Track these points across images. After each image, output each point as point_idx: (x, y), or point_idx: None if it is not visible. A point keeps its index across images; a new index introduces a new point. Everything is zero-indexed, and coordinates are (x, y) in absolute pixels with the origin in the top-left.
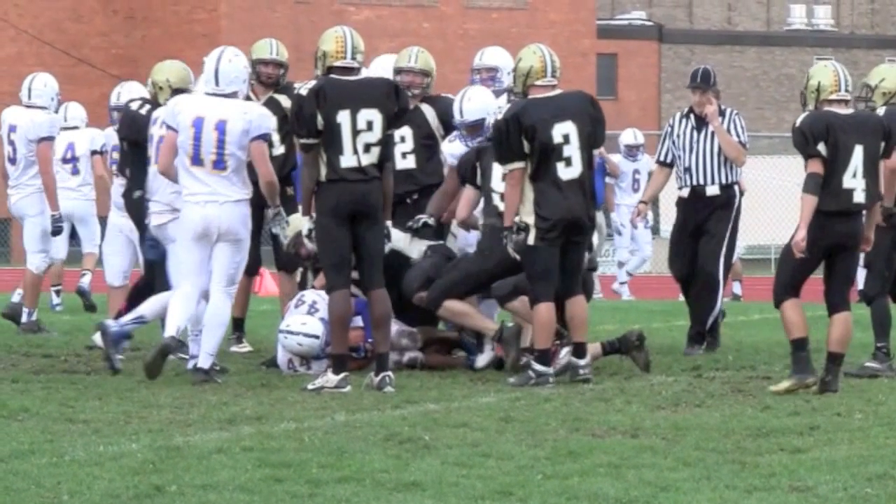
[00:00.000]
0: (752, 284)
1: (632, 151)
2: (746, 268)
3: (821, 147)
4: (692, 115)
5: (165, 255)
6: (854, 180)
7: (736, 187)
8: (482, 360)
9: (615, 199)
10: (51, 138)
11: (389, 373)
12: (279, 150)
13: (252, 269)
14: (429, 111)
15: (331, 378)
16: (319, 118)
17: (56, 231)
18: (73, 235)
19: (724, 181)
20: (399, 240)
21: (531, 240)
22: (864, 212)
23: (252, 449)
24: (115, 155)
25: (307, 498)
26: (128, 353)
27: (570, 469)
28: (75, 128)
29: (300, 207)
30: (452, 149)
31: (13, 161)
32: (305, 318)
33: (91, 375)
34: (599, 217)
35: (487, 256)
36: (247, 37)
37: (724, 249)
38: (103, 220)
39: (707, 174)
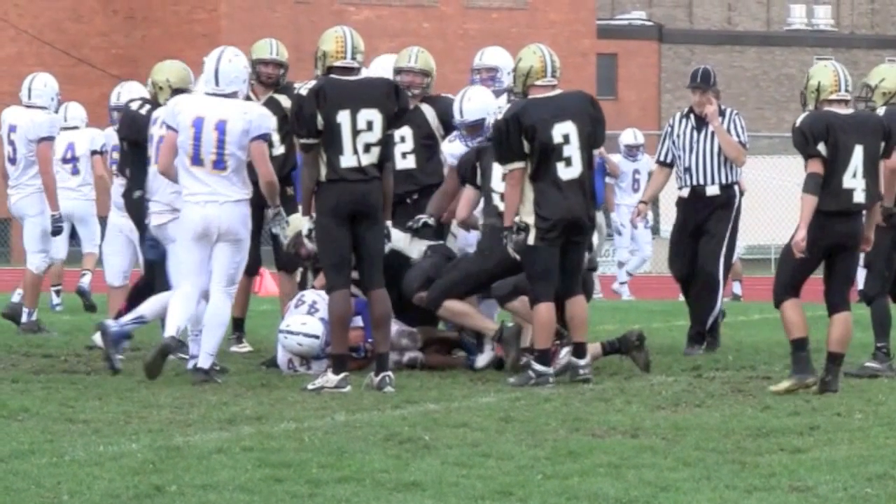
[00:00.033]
0: (752, 284)
1: (632, 151)
2: (746, 268)
3: (821, 147)
4: (692, 115)
5: (165, 255)
6: (854, 180)
7: (736, 187)
8: (482, 360)
9: (615, 199)
10: (51, 138)
11: (389, 373)
12: (279, 150)
13: (252, 269)
14: (429, 111)
15: (331, 378)
16: (319, 118)
17: (56, 231)
18: (73, 235)
19: (724, 181)
20: (399, 240)
21: (531, 240)
22: (864, 212)
23: (252, 449)
24: (115, 155)
25: (307, 498)
26: (128, 353)
27: (570, 469)
28: (75, 128)
29: (300, 207)
30: (452, 149)
31: (13, 161)
32: (305, 318)
33: (91, 375)
34: (599, 217)
35: (487, 256)
36: (247, 37)
37: (724, 249)
38: (103, 220)
39: (707, 174)
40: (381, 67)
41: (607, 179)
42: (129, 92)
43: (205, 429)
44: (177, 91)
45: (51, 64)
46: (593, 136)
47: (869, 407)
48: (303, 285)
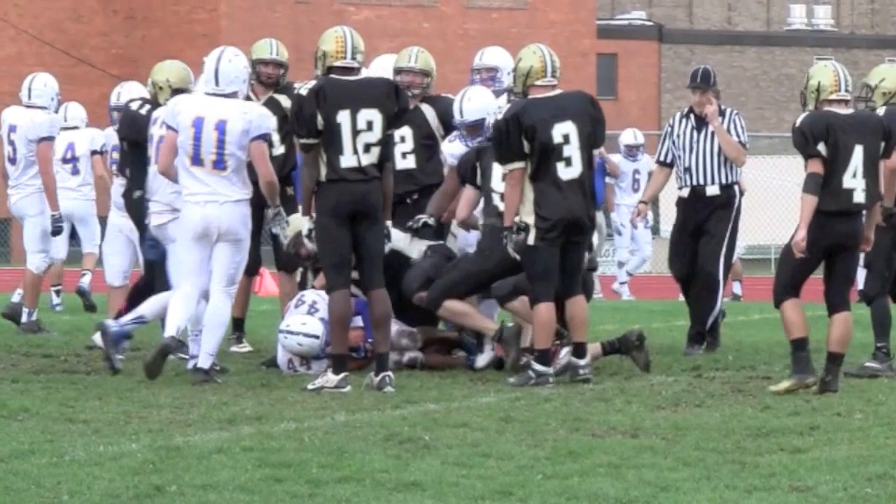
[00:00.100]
0: (752, 284)
1: (632, 151)
2: (746, 268)
3: (821, 147)
4: (692, 115)
5: (165, 255)
6: (854, 180)
7: (736, 187)
8: (482, 360)
9: (615, 199)
10: (51, 138)
11: (389, 373)
12: (279, 150)
13: (252, 269)
14: (429, 111)
15: (331, 378)
16: (319, 118)
17: (56, 231)
18: (73, 235)
19: (724, 181)
20: (399, 240)
21: (531, 240)
22: (864, 212)
23: (252, 449)
24: (115, 155)
25: (307, 498)
26: (128, 353)
27: (570, 469)
28: (75, 128)
29: (300, 207)
30: (452, 149)
31: (13, 161)
32: (305, 318)
33: (91, 375)
34: (599, 217)
35: (487, 256)
36: (247, 37)
37: (724, 249)
38: (103, 220)
39: (707, 174)
40: (381, 67)
41: (607, 179)
42: (129, 92)
43: (205, 429)
44: (177, 91)
45: (51, 64)
46: (593, 136)
47: (869, 407)
48: (303, 285)
